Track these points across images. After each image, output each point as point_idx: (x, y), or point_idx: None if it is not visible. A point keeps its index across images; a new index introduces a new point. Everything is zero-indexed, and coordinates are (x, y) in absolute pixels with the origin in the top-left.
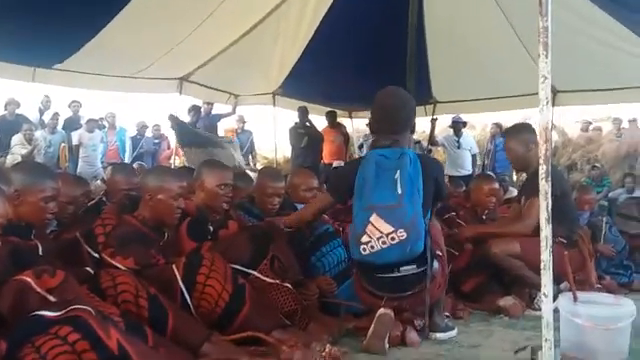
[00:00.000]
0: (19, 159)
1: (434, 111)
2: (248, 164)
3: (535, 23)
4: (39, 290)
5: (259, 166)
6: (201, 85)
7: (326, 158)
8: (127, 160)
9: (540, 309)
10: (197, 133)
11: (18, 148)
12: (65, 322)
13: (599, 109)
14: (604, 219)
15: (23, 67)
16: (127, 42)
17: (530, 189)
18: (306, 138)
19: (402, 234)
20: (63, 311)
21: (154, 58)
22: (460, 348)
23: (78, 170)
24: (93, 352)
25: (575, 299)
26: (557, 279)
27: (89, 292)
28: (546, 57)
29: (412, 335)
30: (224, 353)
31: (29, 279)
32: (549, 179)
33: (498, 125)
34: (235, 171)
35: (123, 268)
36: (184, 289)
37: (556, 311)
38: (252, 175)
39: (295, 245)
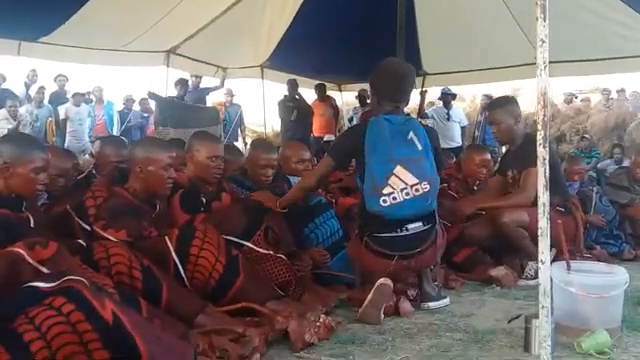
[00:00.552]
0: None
1: (423, 83)
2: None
3: None
4: (32, 261)
5: (248, 140)
6: (188, 58)
7: (316, 131)
8: (115, 134)
9: (532, 278)
10: (180, 108)
11: (4, 123)
12: (59, 293)
13: (588, 80)
14: (594, 189)
15: (8, 40)
16: (113, 14)
17: (523, 161)
18: (295, 111)
19: (426, 186)
20: (57, 282)
21: (141, 31)
22: (453, 317)
23: (66, 144)
24: (88, 323)
25: (568, 267)
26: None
27: (82, 264)
28: (544, 20)
29: (405, 305)
30: (219, 324)
31: (21, 250)
32: (547, 145)
33: (489, 97)
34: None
35: (115, 240)
36: (177, 261)
37: None
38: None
39: (288, 216)
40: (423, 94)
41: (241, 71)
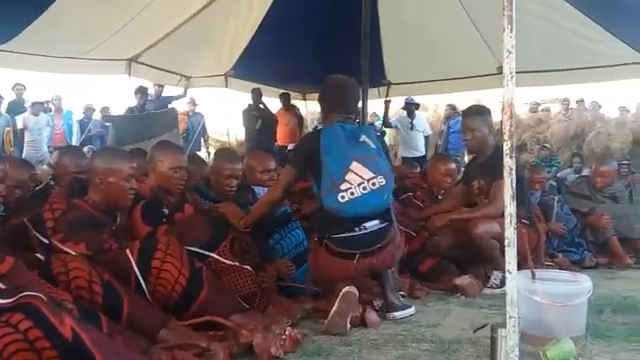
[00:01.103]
0: None
1: (388, 93)
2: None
3: (486, 4)
4: None
5: (212, 149)
6: (151, 66)
7: (280, 140)
8: (75, 144)
9: (497, 287)
10: (137, 121)
11: None
12: (16, 310)
13: (548, 90)
14: (556, 198)
15: None
16: (73, 22)
17: (494, 172)
18: (260, 120)
19: (382, 180)
20: (14, 298)
21: (102, 38)
22: (419, 328)
23: (24, 155)
24: (46, 340)
25: (533, 276)
26: None
27: (40, 278)
28: (511, 31)
29: (372, 315)
30: (182, 338)
31: None
32: (513, 155)
33: (452, 107)
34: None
35: (74, 254)
36: (139, 274)
37: None
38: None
39: (253, 227)
40: (387, 103)
41: (204, 80)
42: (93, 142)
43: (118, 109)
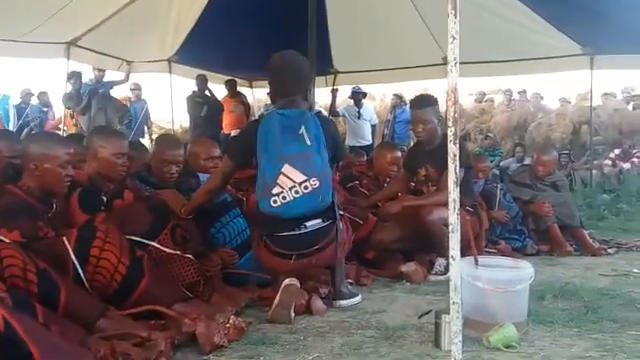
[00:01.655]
0: None
1: (335, 82)
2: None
3: None
4: None
5: (155, 136)
6: (91, 50)
7: (226, 128)
8: (11, 129)
9: (441, 274)
10: None
11: None
12: None
13: (491, 81)
14: (498, 186)
15: None
16: (9, 3)
17: (444, 159)
18: (205, 107)
19: (315, 182)
20: None
21: (39, 21)
22: (365, 314)
23: None
24: None
25: (476, 263)
26: None
27: None
28: (455, 17)
29: (317, 303)
30: (121, 328)
31: None
32: (457, 142)
33: (398, 96)
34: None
35: (8, 241)
36: (77, 263)
37: None
38: None
39: (195, 215)
40: (334, 92)
41: (147, 65)
42: (31, 128)
43: (57, 94)
